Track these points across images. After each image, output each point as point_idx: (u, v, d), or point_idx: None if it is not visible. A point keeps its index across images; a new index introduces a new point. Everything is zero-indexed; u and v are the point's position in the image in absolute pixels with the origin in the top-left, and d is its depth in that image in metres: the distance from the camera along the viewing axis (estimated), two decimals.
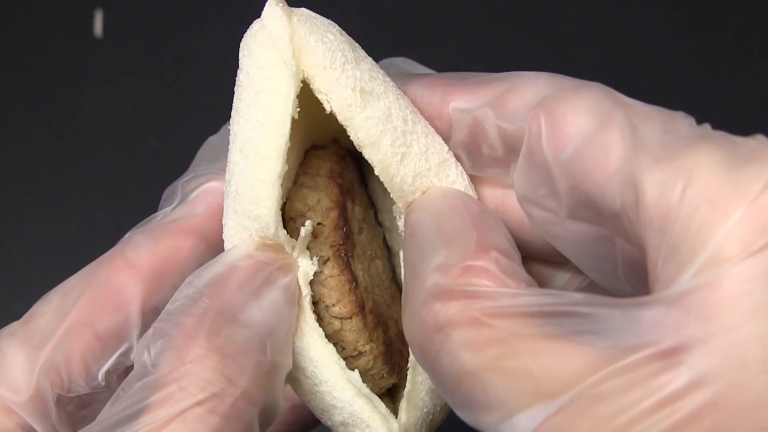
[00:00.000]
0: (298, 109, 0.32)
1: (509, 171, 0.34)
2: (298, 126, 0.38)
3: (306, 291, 0.34)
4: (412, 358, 0.35)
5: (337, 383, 0.33)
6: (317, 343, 0.33)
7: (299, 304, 0.33)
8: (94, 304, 0.34)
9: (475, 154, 0.35)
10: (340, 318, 0.35)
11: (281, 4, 0.32)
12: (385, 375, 0.37)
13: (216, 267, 0.32)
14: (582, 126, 0.28)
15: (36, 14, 1.00)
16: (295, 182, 0.37)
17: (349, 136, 0.42)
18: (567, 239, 0.31)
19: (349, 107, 0.31)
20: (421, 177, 0.33)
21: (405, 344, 0.40)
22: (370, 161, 0.33)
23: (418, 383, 0.35)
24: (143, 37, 0.98)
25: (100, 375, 0.34)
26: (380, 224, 0.43)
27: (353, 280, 0.35)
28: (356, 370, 0.34)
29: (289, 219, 0.36)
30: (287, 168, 0.32)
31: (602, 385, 0.23)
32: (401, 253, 0.33)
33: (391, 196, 0.34)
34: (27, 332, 0.34)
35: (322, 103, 0.36)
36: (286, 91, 0.31)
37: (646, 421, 0.22)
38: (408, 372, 0.36)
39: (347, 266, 0.35)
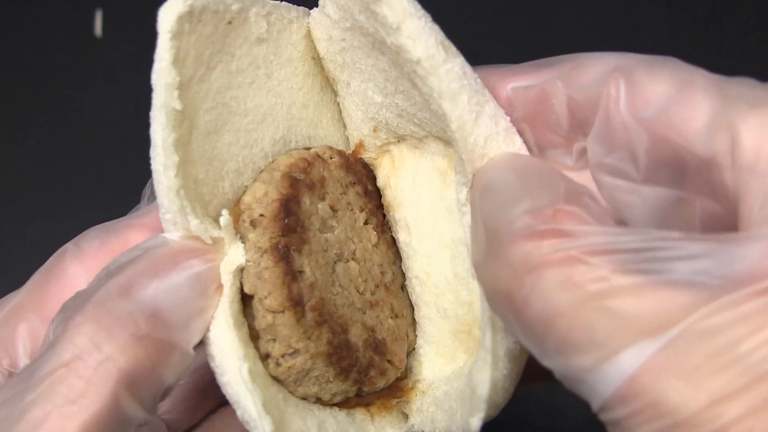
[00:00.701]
0: (180, 101, 0.32)
1: (570, 151, 0.34)
2: (271, 124, 0.38)
3: (226, 279, 0.33)
4: (487, 313, 0.33)
5: (233, 375, 0.32)
6: (223, 332, 0.33)
7: (222, 293, 0.33)
8: (43, 290, 0.36)
9: (538, 130, 0.34)
10: (272, 311, 0.34)
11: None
12: (331, 379, 0.36)
13: (131, 252, 0.33)
14: (663, 90, 0.29)
15: (36, 14, 1.00)
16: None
17: (363, 152, 0.42)
18: (640, 206, 0.31)
19: (433, 56, 0.31)
20: (492, 140, 0.33)
21: (381, 353, 0.39)
22: (448, 117, 0.32)
23: (498, 341, 0.33)
24: (143, 37, 0.97)
25: None
26: (387, 230, 0.42)
27: (289, 273, 0.34)
28: (246, 365, 0.32)
29: (240, 211, 0.36)
30: (176, 159, 0.32)
31: (712, 318, 0.22)
32: (466, 230, 0.32)
33: (463, 157, 0.33)
34: None
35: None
36: (162, 82, 0.31)
37: (762, 352, 0.21)
38: (486, 332, 0.33)
39: (283, 258, 0.34)
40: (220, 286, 0.33)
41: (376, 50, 0.35)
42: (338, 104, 0.42)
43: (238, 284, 0.34)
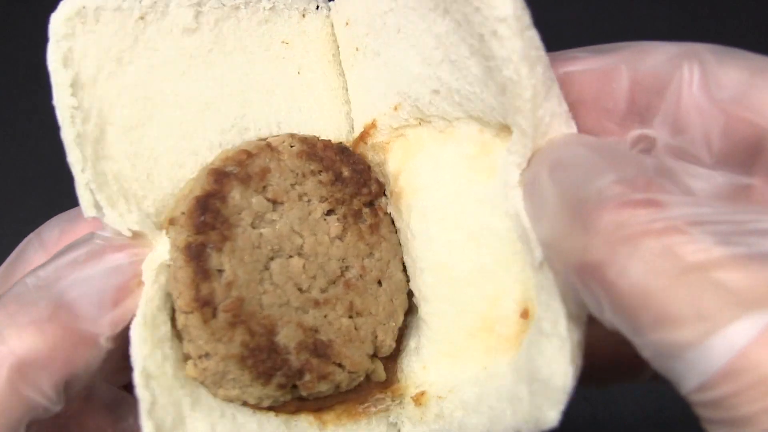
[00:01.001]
0: (75, 99, 0.33)
1: (623, 140, 0.33)
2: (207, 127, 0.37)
3: (148, 276, 0.33)
4: (557, 300, 0.31)
5: (140, 378, 0.32)
6: (136, 330, 0.32)
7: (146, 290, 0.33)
8: (8, 281, 0.37)
9: (592, 115, 0.34)
10: (183, 312, 0.33)
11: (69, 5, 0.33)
12: (248, 383, 0.34)
13: (65, 247, 0.34)
14: (737, 74, 0.29)
15: (36, 14, 0.99)
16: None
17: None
18: (704, 191, 0.30)
19: (520, 18, 0.30)
20: (555, 119, 0.32)
21: (322, 356, 0.36)
22: (523, 85, 0.31)
23: (572, 331, 0.31)
24: None
25: None
26: (367, 219, 0.39)
27: (200, 272, 0.33)
28: (141, 365, 0.31)
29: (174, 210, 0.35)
30: (79, 155, 0.33)
31: None
32: (522, 213, 0.31)
33: (527, 131, 0.32)
34: None
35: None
36: (53, 82, 0.33)
37: None
38: (560, 320, 0.31)
39: (195, 258, 0.33)
40: (142, 283, 0.33)
41: (437, 11, 0.34)
42: (332, 87, 0.41)
43: (163, 281, 0.33)
